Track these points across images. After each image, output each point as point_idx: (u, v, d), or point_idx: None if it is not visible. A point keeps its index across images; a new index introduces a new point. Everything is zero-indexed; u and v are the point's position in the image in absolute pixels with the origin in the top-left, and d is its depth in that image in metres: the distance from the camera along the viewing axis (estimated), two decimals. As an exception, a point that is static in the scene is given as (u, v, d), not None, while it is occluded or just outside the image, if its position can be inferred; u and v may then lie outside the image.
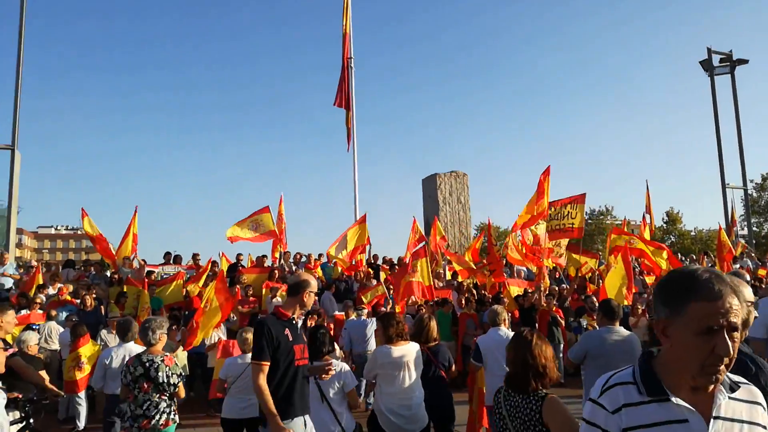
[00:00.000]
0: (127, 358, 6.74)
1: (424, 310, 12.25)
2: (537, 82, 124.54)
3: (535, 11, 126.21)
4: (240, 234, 14.75)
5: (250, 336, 6.51)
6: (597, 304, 12.68)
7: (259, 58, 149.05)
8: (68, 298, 11.87)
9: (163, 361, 5.31)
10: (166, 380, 5.26)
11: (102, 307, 12.16)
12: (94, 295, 11.88)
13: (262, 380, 4.08)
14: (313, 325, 7.30)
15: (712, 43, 26.70)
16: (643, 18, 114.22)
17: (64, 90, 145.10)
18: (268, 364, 4.14)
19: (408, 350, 5.29)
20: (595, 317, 12.25)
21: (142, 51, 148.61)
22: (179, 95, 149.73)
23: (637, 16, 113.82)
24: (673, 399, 1.70)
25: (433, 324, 6.07)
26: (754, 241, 27.94)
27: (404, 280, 12.26)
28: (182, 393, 5.48)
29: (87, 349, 9.03)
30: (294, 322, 4.49)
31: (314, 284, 4.57)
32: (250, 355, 6.34)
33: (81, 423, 9.52)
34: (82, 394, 9.30)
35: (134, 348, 6.87)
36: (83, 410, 9.55)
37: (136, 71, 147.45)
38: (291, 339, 4.31)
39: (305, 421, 4.33)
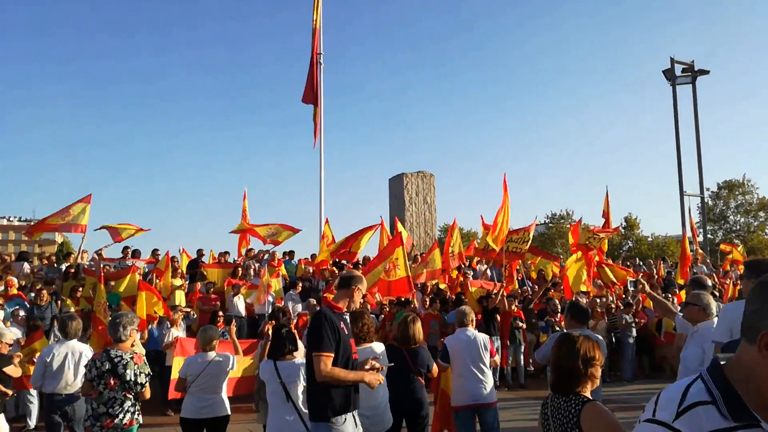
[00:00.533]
0: (69, 356, 6.57)
1: (387, 309, 12.19)
2: (503, 86, 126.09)
3: (501, 20, 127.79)
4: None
5: (212, 334, 6.37)
6: (559, 307, 12.89)
7: (225, 48, 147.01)
8: (15, 291, 11.39)
9: (132, 358, 5.12)
10: (134, 378, 5.06)
11: (58, 302, 11.71)
12: (52, 290, 11.50)
13: (330, 368, 4.01)
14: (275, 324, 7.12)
15: (675, 53, 27.34)
16: (608, 26, 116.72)
17: (15, 80, 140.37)
18: (332, 356, 4.07)
19: (371, 351, 5.17)
20: (557, 319, 12.40)
21: (98, 37, 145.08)
22: (139, 85, 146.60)
23: (603, 24, 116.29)
24: (764, 425, 1.40)
25: (417, 326, 5.99)
26: (708, 249, 28.69)
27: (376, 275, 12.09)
28: (147, 394, 5.27)
29: (41, 344, 8.72)
30: (345, 316, 4.48)
31: (365, 283, 4.59)
32: (211, 353, 6.22)
33: (32, 422, 9.17)
34: (33, 391, 8.96)
35: (77, 346, 6.71)
36: (35, 408, 9.20)
37: (94, 58, 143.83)
38: (346, 333, 4.29)
39: (354, 418, 4.28)
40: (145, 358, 5.35)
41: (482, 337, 6.34)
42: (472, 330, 6.36)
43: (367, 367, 4.36)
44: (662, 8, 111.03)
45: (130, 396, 5.11)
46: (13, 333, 9.48)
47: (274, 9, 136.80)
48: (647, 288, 6.50)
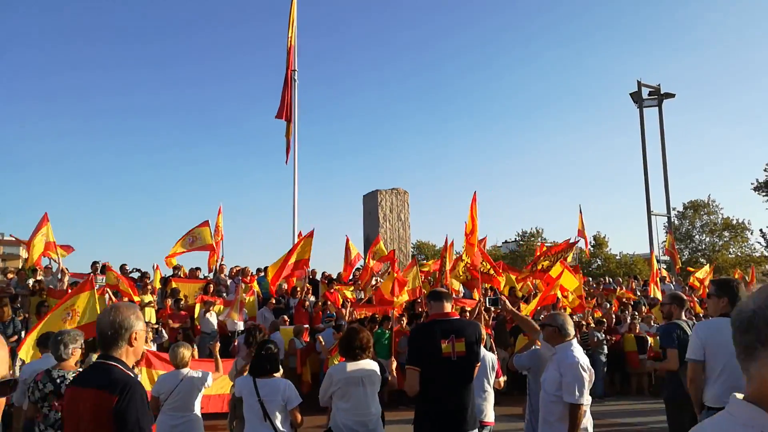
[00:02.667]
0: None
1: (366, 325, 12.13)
2: (475, 105, 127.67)
3: (474, 40, 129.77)
4: (177, 250, 14.54)
5: (183, 351, 6.25)
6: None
7: (198, 63, 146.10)
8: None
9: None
10: None
11: (21, 318, 11.38)
12: (18, 305, 11.19)
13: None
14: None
15: (642, 77, 28.04)
16: (577, 51, 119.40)
17: None
18: None
19: (364, 366, 5.14)
20: (528, 337, 12.47)
21: (72, 49, 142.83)
22: (112, 99, 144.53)
23: (572, 49, 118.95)
24: None
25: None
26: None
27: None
28: None
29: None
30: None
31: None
32: (184, 370, 6.11)
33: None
34: None
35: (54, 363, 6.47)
36: None
37: (65, 71, 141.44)
38: None
39: None
40: None
41: (490, 357, 6.42)
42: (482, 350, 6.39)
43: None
44: (629, 33, 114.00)
45: None
46: None
47: (248, 23, 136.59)
48: (508, 305, 6.36)
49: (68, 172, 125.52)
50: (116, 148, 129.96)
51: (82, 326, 9.03)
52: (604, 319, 14.47)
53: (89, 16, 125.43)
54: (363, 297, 14.66)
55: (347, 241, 16.15)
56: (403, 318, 12.96)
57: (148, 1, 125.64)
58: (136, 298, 11.96)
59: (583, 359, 4.75)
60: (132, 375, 2.90)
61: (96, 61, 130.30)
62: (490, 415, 6.26)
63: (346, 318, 12.64)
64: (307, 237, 14.25)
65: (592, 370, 4.84)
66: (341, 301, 14.05)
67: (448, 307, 4.64)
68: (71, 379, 4.84)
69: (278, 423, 4.94)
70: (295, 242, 14.79)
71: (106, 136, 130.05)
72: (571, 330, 4.89)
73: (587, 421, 4.80)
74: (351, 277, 16.75)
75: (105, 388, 2.77)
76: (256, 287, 14.58)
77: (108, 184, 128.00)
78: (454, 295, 14.81)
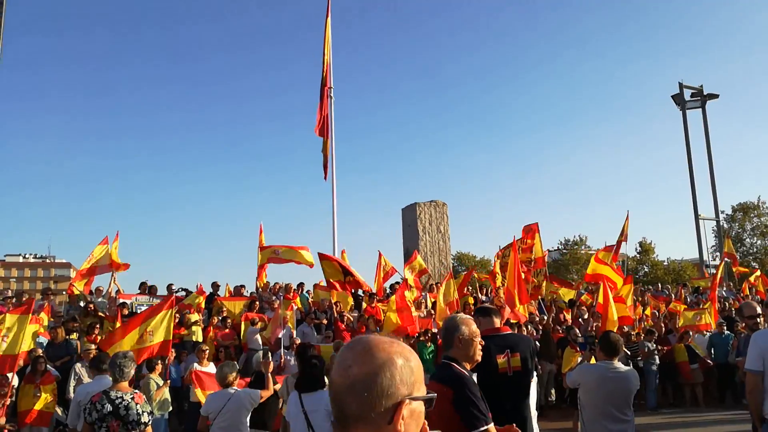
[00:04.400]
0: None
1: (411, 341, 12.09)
2: (513, 115, 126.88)
3: (516, 49, 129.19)
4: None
5: (226, 371, 6.29)
6: (579, 335, 12.72)
7: (237, 81, 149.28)
8: (43, 330, 11.43)
9: (133, 398, 5.01)
10: (136, 419, 4.94)
11: (76, 340, 11.70)
12: (71, 328, 11.53)
13: None
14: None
15: (683, 79, 27.39)
16: (617, 52, 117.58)
17: (29, 111, 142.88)
18: None
19: None
20: (577, 349, 12.22)
21: (121, 71, 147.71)
22: (155, 121, 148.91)
23: (612, 50, 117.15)
24: None
25: None
26: (726, 272, 28.33)
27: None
28: None
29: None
30: None
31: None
32: (232, 389, 6.17)
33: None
34: (45, 430, 8.96)
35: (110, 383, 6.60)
36: None
37: (110, 93, 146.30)
38: None
39: None
40: (145, 397, 5.25)
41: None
42: None
43: None
44: (670, 36, 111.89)
45: None
46: None
47: (286, 39, 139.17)
48: None
49: (98, 191, 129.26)
50: (155, 165, 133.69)
51: (154, 345, 9.26)
52: (654, 329, 14.06)
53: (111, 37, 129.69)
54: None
55: (380, 256, 16.21)
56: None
57: (190, 22, 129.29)
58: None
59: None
60: (465, 372, 3.58)
61: (134, 81, 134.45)
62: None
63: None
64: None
65: None
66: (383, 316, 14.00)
67: (497, 322, 4.57)
68: (129, 400, 4.95)
69: None
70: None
71: (146, 157, 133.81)
72: None
73: None
74: (386, 291, 16.67)
75: (443, 382, 3.44)
76: (298, 303, 14.68)
77: (143, 201, 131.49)
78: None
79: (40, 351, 10.24)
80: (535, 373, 6.52)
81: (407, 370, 1.37)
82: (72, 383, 9.69)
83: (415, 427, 1.37)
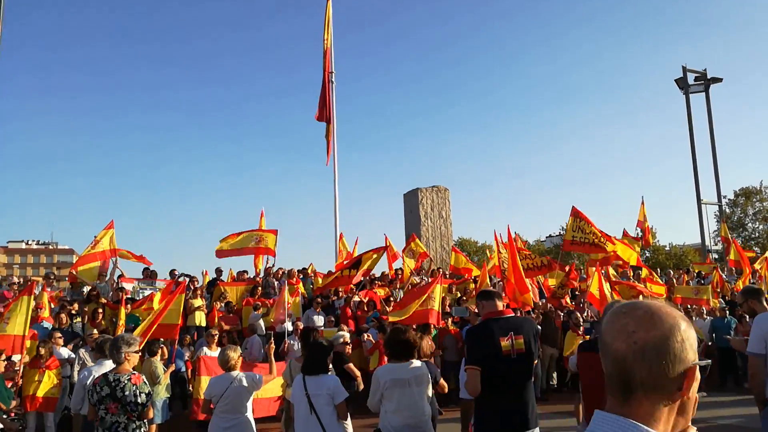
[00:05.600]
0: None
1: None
2: (514, 99, 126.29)
3: (519, 30, 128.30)
4: (228, 246, 14.50)
5: (232, 354, 6.32)
6: (581, 320, 12.73)
7: (236, 70, 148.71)
8: (47, 315, 11.47)
9: (129, 379, 5.00)
10: (133, 399, 4.94)
11: (78, 322, 11.75)
12: (74, 312, 11.57)
13: None
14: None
15: (687, 62, 27.17)
16: (619, 36, 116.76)
17: (29, 98, 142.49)
18: None
19: (411, 367, 5.13)
20: (579, 332, 12.25)
21: (124, 50, 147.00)
22: (156, 110, 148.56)
23: (614, 33, 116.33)
24: None
25: (424, 342, 5.99)
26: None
27: (417, 305, 11.85)
28: (151, 414, 5.18)
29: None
30: None
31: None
32: (233, 373, 6.20)
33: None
34: (51, 415, 9.03)
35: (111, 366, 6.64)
36: None
37: (111, 74, 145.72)
38: None
39: None
40: (144, 377, 5.19)
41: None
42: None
43: None
44: (673, 19, 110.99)
45: (134, 418, 4.99)
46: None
47: (286, 24, 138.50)
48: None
49: (102, 176, 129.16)
50: (153, 157, 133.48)
51: (163, 326, 9.42)
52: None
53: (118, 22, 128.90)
54: (401, 296, 14.55)
55: (386, 240, 16.12)
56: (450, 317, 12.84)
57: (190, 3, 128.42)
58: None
59: None
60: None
61: (132, 60, 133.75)
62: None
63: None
64: (378, 252, 14.04)
65: None
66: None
67: (500, 305, 4.57)
68: (125, 381, 4.95)
69: (323, 417, 5.06)
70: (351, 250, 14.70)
71: (150, 146, 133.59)
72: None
73: None
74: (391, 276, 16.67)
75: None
76: (301, 288, 14.71)
77: (142, 184, 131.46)
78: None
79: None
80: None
81: (691, 334, 1.31)
82: (76, 368, 9.74)
83: (692, 393, 1.32)
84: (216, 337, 10.69)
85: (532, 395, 4.46)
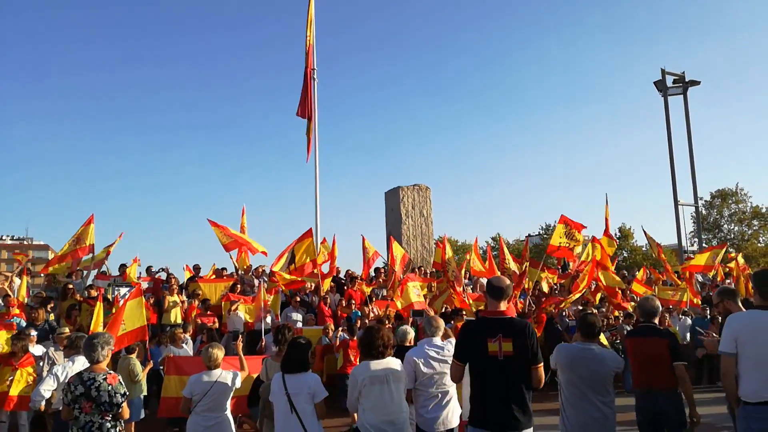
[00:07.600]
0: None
1: (389, 323, 12.17)
2: (495, 100, 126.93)
3: (500, 32, 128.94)
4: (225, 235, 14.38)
5: (216, 352, 6.27)
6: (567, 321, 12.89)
7: (217, 62, 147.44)
8: (17, 311, 11.25)
9: (105, 379, 4.94)
10: (108, 399, 4.88)
11: (53, 319, 11.56)
12: (50, 309, 11.39)
13: None
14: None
15: (665, 65, 27.50)
16: (600, 41, 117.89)
17: (7, 95, 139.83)
18: None
19: (387, 364, 5.13)
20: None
21: (88, 47, 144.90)
22: (138, 100, 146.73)
23: (594, 39, 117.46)
24: None
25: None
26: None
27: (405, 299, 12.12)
28: (126, 414, 5.09)
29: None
30: None
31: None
32: (216, 371, 6.15)
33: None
34: (25, 413, 8.91)
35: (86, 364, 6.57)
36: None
37: (87, 70, 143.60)
38: None
39: None
40: (120, 377, 5.13)
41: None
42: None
43: None
44: (652, 21, 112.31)
45: (108, 418, 4.93)
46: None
47: (268, 21, 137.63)
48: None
49: (78, 172, 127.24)
50: (140, 147, 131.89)
51: (128, 332, 9.20)
52: (634, 313, 14.26)
53: (104, 16, 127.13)
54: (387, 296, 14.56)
55: (363, 240, 16.10)
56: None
57: (171, 2, 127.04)
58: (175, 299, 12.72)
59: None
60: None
61: (109, 60, 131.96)
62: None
63: (369, 317, 12.64)
64: (305, 238, 13.83)
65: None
66: (365, 299, 14.01)
67: (502, 305, 4.55)
68: (101, 381, 4.89)
69: (304, 416, 5.05)
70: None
71: (130, 138, 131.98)
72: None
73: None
74: (370, 275, 16.59)
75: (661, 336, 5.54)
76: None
77: (128, 183, 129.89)
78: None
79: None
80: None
81: None
82: (45, 367, 9.56)
83: None
84: (182, 335, 10.67)
85: (523, 398, 4.39)
